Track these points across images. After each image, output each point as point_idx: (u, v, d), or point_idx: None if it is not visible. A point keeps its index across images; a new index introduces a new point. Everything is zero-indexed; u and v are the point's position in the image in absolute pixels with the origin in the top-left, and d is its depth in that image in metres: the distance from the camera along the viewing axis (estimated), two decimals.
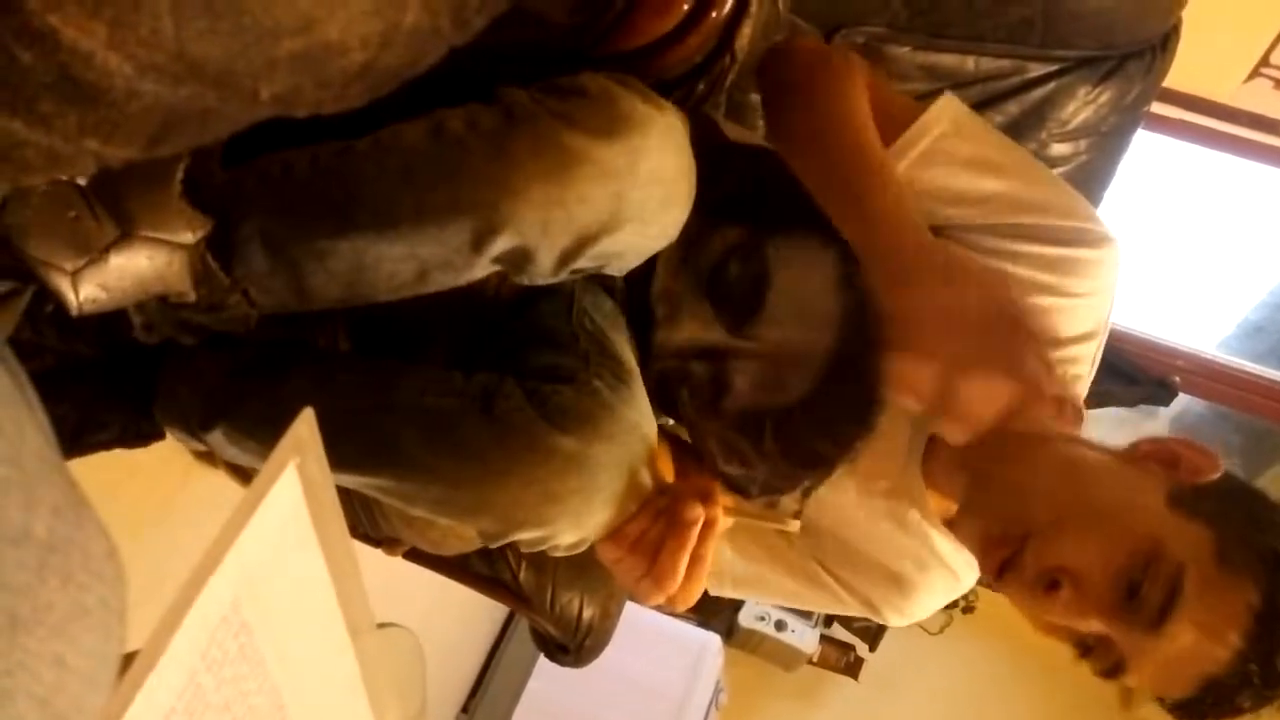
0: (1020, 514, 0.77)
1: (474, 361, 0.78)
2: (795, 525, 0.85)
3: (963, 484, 0.84)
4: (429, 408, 0.74)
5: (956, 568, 0.92)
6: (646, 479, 0.75)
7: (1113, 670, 0.75)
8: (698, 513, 0.72)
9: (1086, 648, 0.75)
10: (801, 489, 0.91)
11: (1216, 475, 0.78)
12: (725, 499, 0.75)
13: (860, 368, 0.86)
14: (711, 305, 0.89)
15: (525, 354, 0.80)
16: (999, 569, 0.77)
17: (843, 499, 0.90)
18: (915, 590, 0.93)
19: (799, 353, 0.88)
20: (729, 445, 0.94)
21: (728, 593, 0.98)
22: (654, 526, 0.74)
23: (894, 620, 0.96)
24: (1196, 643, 0.70)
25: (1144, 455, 0.80)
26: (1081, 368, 0.87)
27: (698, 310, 0.90)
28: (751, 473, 0.93)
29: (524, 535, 0.74)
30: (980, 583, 0.92)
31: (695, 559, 0.73)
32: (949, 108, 0.86)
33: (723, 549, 0.96)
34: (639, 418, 0.76)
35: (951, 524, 0.86)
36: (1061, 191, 0.86)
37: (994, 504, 0.80)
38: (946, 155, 0.84)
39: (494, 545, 0.85)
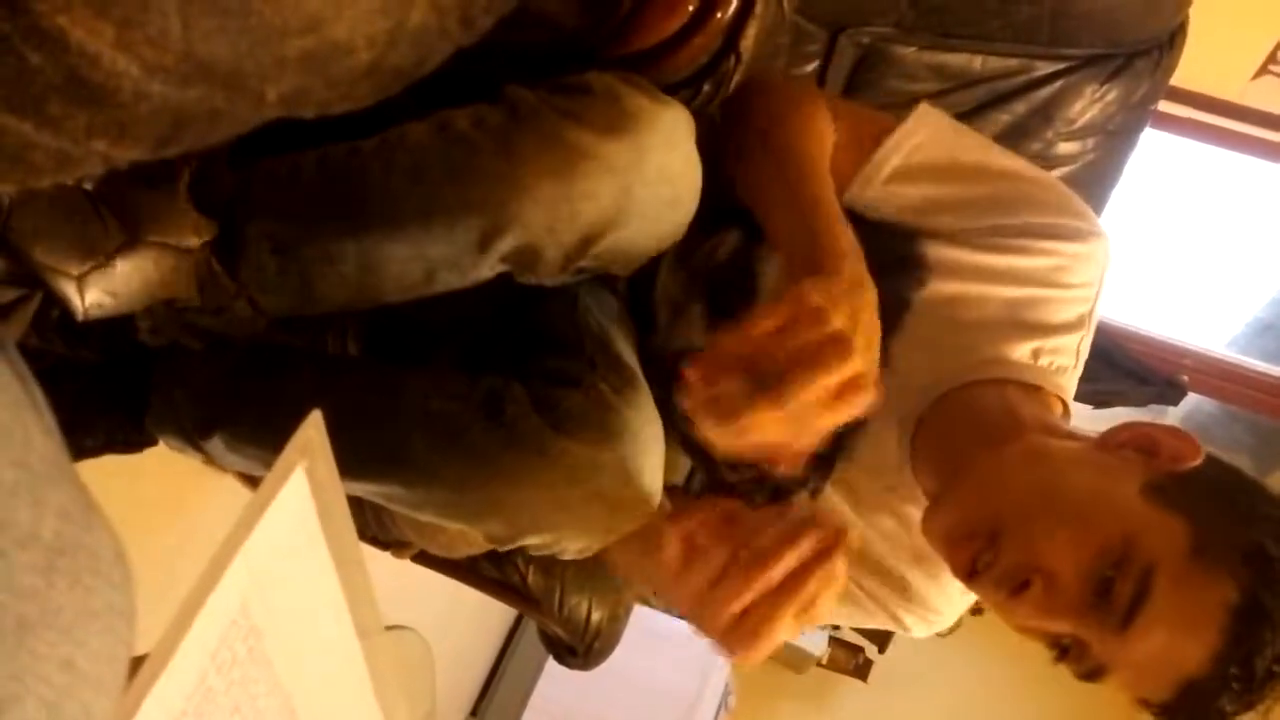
0: (988, 508, 0.74)
1: (481, 364, 0.78)
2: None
3: (940, 478, 0.81)
4: (435, 412, 0.74)
5: None
6: (655, 483, 0.75)
7: (1093, 674, 0.71)
8: (829, 537, 0.60)
9: (1063, 649, 0.71)
10: (809, 490, 0.90)
11: (1197, 462, 0.73)
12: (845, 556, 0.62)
13: None
14: (707, 309, 0.89)
15: (531, 357, 0.80)
16: (969, 569, 0.73)
17: (846, 502, 0.89)
18: (929, 597, 0.90)
19: None
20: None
21: None
22: (774, 559, 0.60)
23: (918, 630, 0.93)
24: (1170, 643, 0.66)
25: (1121, 442, 0.76)
26: (1066, 359, 0.85)
27: (694, 314, 0.90)
28: (756, 473, 0.92)
29: (531, 540, 0.74)
30: None
31: (808, 605, 0.60)
32: (923, 121, 0.86)
33: None
34: (645, 421, 0.75)
35: (922, 523, 0.80)
36: (1048, 189, 0.85)
37: (961, 499, 0.76)
38: (921, 169, 0.84)
39: (502, 549, 0.84)
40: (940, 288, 0.84)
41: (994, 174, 0.85)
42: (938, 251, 0.85)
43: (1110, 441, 0.77)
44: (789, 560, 0.60)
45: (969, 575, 0.74)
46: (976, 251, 0.83)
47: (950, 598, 0.91)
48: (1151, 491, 0.71)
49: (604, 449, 0.71)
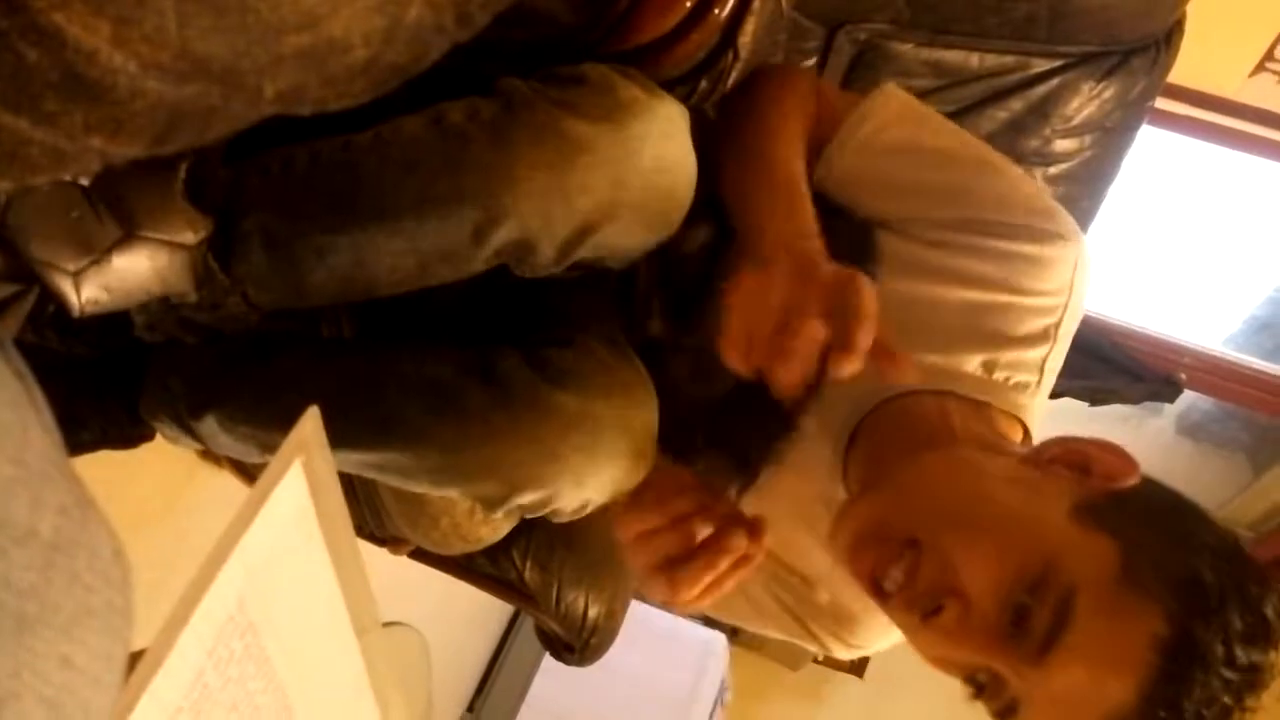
0: (903, 516, 0.69)
1: (472, 340, 0.78)
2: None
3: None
4: (428, 377, 0.74)
5: None
6: (649, 439, 0.74)
7: (1006, 711, 0.65)
8: (740, 544, 0.68)
9: (979, 685, 0.66)
10: (734, 490, 0.87)
11: (1134, 481, 0.68)
12: (768, 541, 0.69)
13: None
14: (663, 299, 0.88)
15: (521, 326, 0.80)
16: (872, 579, 0.69)
17: (777, 510, 0.84)
18: (855, 621, 0.86)
19: None
20: (667, 444, 0.93)
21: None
22: (695, 525, 0.70)
23: (840, 653, 0.89)
24: (1091, 677, 0.61)
25: (1051, 459, 0.71)
26: (1027, 375, 0.80)
27: (653, 307, 0.89)
28: (692, 470, 0.92)
29: (526, 498, 0.73)
30: None
31: (716, 583, 0.69)
32: (886, 99, 0.83)
33: None
34: (638, 378, 0.75)
35: (832, 527, 0.76)
36: (1017, 184, 0.81)
37: (874, 504, 0.72)
38: (880, 147, 0.82)
39: (496, 511, 0.84)
40: (891, 286, 0.80)
41: (960, 163, 0.81)
42: (893, 244, 0.82)
43: (1040, 457, 0.72)
44: (708, 576, 0.69)
45: (877, 592, 0.69)
46: (932, 248, 0.79)
47: (878, 627, 0.86)
48: (1081, 512, 0.66)
49: (597, 401, 0.71)
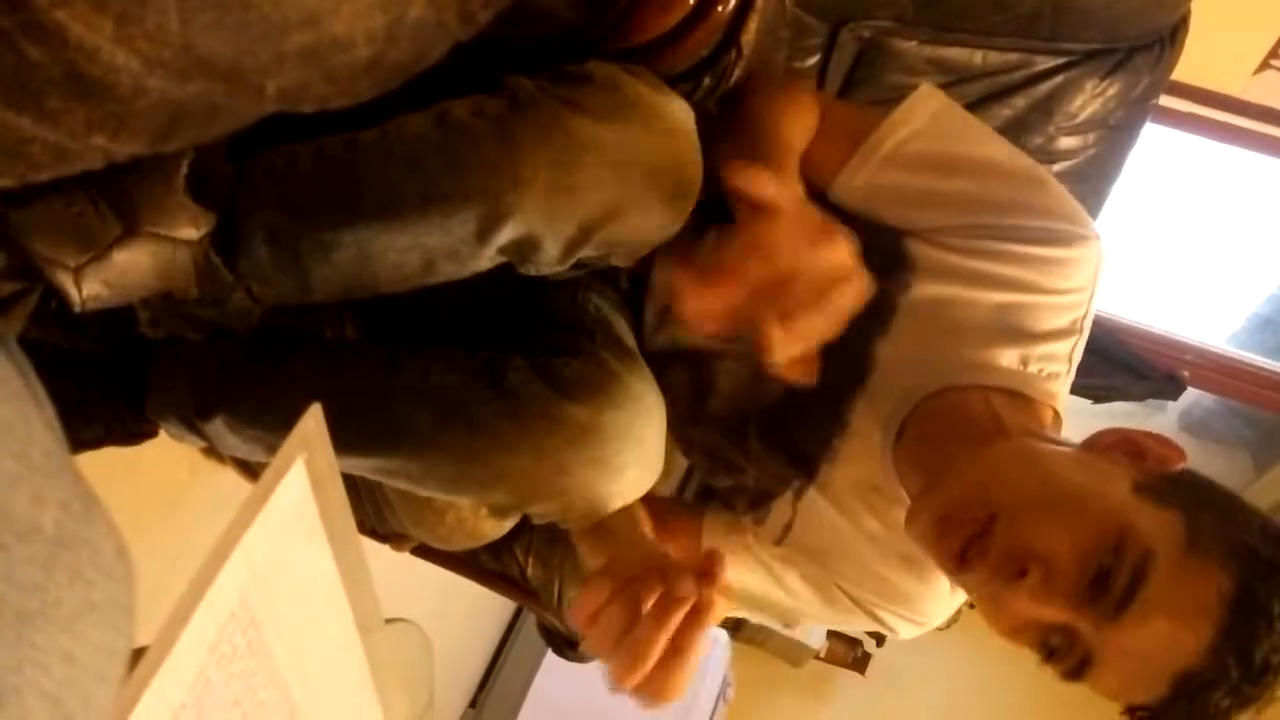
0: (982, 496, 0.73)
1: (479, 344, 0.78)
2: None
3: (923, 478, 0.81)
4: (436, 386, 0.74)
5: None
6: (658, 450, 0.75)
7: (1079, 668, 0.70)
8: (687, 589, 0.62)
9: (1050, 649, 0.71)
10: (793, 491, 0.89)
11: (1181, 465, 0.75)
12: (729, 582, 0.65)
13: (831, 364, 0.85)
14: None
15: (531, 334, 0.80)
16: (960, 554, 0.72)
17: (831, 504, 0.89)
18: (916, 599, 0.90)
19: None
20: (714, 454, 0.93)
21: (733, 611, 0.96)
22: (644, 592, 0.63)
23: (903, 630, 0.92)
24: (1166, 631, 0.66)
25: (1108, 445, 0.77)
26: (1058, 365, 0.84)
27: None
28: (741, 480, 0.93)
29: (537, 508, 0.74)
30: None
31: (676, 648, 0.61)
32: (920, 106, 0.83)
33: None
34: (647, 389, 0.76)
35: (908, 514, 0.79)
36: (1040, 188, 0.83)
37: (952, 489, 0.75)
38: (912, 157, 0.82)
39: (506, 519, 0.84)
40: (926, 289, 0.83)
41: (988, 171, 0.83)
42: (923, 251, 0.83)
43: (1097, 444, 0.77)
44: (662, 636, 0.62)
45: (960, 564, 0.72)
46: (962, 255, 0.82)
47: (939, 600, 0.90)
48: (1142, 490, 0.71)
49: (607, 412, 0.71)
